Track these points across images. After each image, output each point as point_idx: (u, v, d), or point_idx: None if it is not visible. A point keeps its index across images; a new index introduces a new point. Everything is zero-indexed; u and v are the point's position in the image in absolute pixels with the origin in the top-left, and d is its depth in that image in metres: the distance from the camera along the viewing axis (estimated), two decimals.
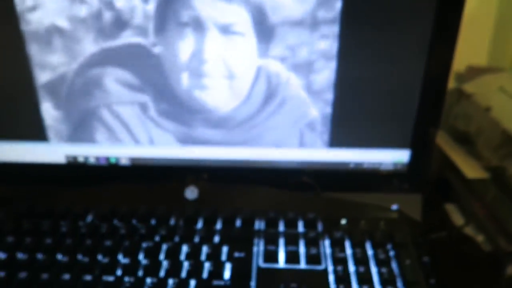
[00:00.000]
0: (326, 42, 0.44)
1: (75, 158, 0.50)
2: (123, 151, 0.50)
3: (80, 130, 0.49)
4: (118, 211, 0.45)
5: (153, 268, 0.38)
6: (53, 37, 0.45)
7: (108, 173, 0.50)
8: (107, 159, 0.50)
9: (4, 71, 0.46)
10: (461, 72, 0.60)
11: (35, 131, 0.49)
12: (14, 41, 0.45)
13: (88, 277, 0.37)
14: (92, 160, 0.50)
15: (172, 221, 0.44)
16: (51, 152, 0.50)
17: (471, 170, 0.50)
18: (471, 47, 0.55)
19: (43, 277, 0.37)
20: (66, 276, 0.37)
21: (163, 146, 0.49)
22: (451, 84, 0.59)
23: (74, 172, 0.50)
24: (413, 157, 0.49)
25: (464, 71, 0.59)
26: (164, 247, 0.41)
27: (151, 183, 0.49)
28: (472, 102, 0.54)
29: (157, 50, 0.45)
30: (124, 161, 0.50)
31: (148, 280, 0.37)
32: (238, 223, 0.44)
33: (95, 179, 0.49)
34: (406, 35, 0.43)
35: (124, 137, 0.49)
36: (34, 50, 0.45)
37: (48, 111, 0.48)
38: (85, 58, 0.46)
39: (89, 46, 0.45)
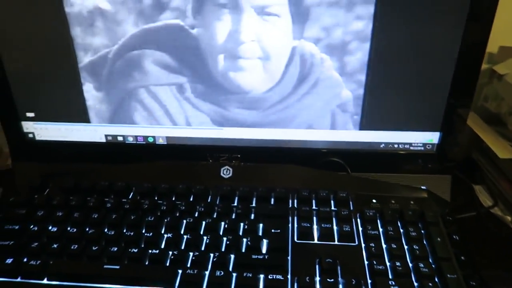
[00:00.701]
0: (361, 23, 0.45)
1: (114, 137, 0.52)
2: (160, 132, 0.51)
3: (119, 111, 0.51)
4: (158, 188, 0.47)
5: (194, 242, 0.40)
6: (95, 19, 0.46)
7: (145, 152, 0.52)
8: (145, 138, 0.52)
9: (48, 53, 0.48)
10: (493, 52, 0.59)
11: (78, 113, 0.51)
12: (58, 23, 0.46)
13: (134, 250, 0.39)
14: (130, 140, 0.52)
15: (209, 199, 0.46)
16: (92, 132, 0.52)
17: (502, 150, 0.50)
18: (504, 27, 0.55)
19: (93, 249, 0.40)
20: (114, 248, 0.40)
21: (199, 127, 0.51)
22: (483, 65, 0.59)
23: (114, 150, 0.53)
24: (443, 139, 0.49)
25: (496, 52, 0.59)
26: (203, 223, 0.43)
27: (187, 162, 0.51)
28: (504, 82, 0.54)
29: (194, 31, 0.46)
30: (161, 141, 0.52)
31: (190, 253, 0.39)
32: (272, 200, 0.46)
33: (133, 157, 0.51)
34: (440, 17, 0.43)
35: (161, 118, 0.51)
36: (77, 32, 0.47)
37: (90, 92, 0.50)
38: (125, 40, 0.47)
39: (129, 27, 0.46)
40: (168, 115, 0.51)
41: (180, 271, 0.38)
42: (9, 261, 0.38)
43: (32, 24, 0.47)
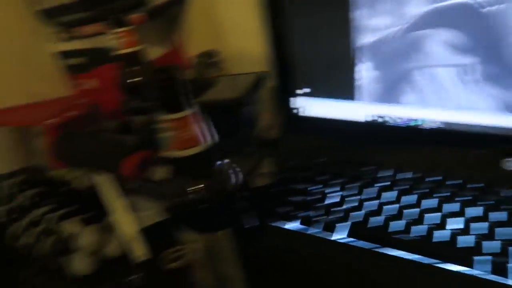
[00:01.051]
0: None
1: (380, 117, 0.52)
2: (433, 114, 0.49)
3: (391, 90, 0.50)
4: (432, 173, 0.45)
5: (488, 233, 0.37)
6: (377, 1, 0.47)
7: (407, 135, 0.51)
8: (410, 121, 0.50)
9: (326, 35, 0.51)
10: None
11: (348, 91, 0.52)
12: (340, 5, 0.48)
13: (419, 228, 0.39)
14: (397, 121, 0.51)
15: (493, 190, 0.42)
16: (356, 110, 0.53)
17: None
18: None
19: (378, 218, 0.41)
20: (399, 222, 0.40)
21: (481, 112, 0.46)
22: None
23: (374, 131, 0.53)
24: None
25: None
26: (493, 215, 0.39)
27: (461, 149, 0.47)
28: None
29: (488, 10, 0.42)
30: (430, 125, 0.50)
31: (487, 244, 0.36)
32: None
33: (392, 140, 0.51)
34: None
35: (435, 100, 0.48)
36: (357, 14, 0.48)
37: (363, 72, 0.51)
38: (410, 20, 0.46)
39: (415, 8, 0.45)
40: (445, 98, 0.48)
41: (476, 258, 0.35)
42: (301, 214, 0.42)
43: (315, 9, 0.50)
